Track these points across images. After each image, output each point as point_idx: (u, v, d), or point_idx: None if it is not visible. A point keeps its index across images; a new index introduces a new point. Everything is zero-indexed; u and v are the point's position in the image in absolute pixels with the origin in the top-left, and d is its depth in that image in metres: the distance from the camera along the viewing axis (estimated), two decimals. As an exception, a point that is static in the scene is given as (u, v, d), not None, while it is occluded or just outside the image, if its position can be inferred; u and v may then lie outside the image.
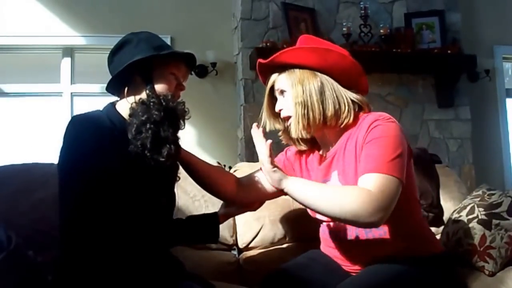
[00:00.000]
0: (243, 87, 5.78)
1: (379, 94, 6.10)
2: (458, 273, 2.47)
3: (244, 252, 3.21)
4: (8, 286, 2.14)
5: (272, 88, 2.45)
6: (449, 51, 6.12)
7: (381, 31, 6.01)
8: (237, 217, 3.24)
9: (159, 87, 2.28)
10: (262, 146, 2.27)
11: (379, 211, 2.03)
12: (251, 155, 5.51)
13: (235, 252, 3.21)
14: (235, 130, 5.93)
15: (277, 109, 2.43)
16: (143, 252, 2.22)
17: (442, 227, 3.14)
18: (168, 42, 5.75)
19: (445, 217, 3.29)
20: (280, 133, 2.55)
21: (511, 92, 7.13)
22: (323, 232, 2.50)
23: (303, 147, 2.53)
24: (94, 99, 6.11)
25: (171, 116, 2.24)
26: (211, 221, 2.57)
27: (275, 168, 2.26)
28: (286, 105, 2.37)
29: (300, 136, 2.37)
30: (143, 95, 2.25)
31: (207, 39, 5.95)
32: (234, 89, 6.04)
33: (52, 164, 3.26)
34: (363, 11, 6.01)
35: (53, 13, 5.98)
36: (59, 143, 2.23)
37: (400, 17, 6.33)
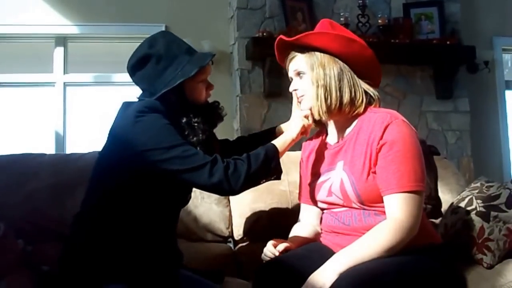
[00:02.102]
0: (239, 78, 5.79)
1: (377, 85, 6.07)
2: (457, 265, 2.49)
3: (240, 244, 3.22)
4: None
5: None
6: (448, 42, 6.13)
7: (379, 21, 6.02)
8: (233, 209, 3.26)
9: (194, 99, 2.44)
10: None
11: (414, 230, 2.20)
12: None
13: (230, 244, 3.23)
14: (231, 121, 5.95)
15: (291, 89, 2.51)
16: (155, 243, 2.38)
17: (440, 219, 3.16)
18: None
19: (443, 209, 3.30)
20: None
21: (510, 84, 7.13)
22: (325, 219, 2.52)
23: (315, 128, 2.61)
24: (87, 88, 6.13)
25: (213, 126, 2.51)
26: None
27: None
28: (302, 85, 2.44)
29: (318, 118, 2.43)
30: (179, 110, 2.38)
31: (203, 29, 5.94)
32: (230, 79, 6.05)
33: (45, 154, 3.28)
34: (361, 1, 6.01)
35: (46, 1, 5.98)
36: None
37: (399, 7, 6.33)
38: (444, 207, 3.28)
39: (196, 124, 2.36)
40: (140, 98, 2.48)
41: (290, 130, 2.50)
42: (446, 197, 3.42)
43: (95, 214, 2.34)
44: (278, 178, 2.44)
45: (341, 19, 5.87)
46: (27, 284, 2.29)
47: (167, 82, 2.35)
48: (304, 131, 2.50)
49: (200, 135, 2.35)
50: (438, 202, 3.38)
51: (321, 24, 2.51)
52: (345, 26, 5.72)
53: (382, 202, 2.27)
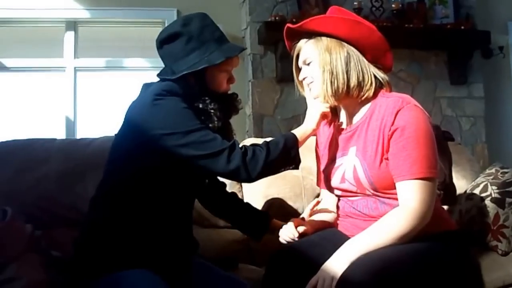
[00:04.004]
0: (251, 63, 5.78)
1: (390, 70, 6.05)
2: (472, 252, 2.48)
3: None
4: (8, 256, 2.17)
5: (297, 57, 2.53)
6: (462, 27, 6.07)
7: (393, 5, 5.96)
8: (246, 195, 3.25)
9: (213, 87, 2.41)
10: None
11: (426, 217, 2.20)
12: (259, 132, 5.52)
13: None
14: (243, 107, 5.87)
15: (300, 78, 2.52)
16: (170, 229, 2.38)
17: (454, 205, 3.15)
18: (174, 16, 5.74)
19: (458, 195, 3.29)
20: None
21: (525, 70, 7.05)
22: (342, 206, 2.53)
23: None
24: (98, 73, 6.11)
25: (229, 117, 2.48)
26: (262, 221, 2.79)
27: None
28: (311, 74, 2.44)
29: (326, 102, 2.43)
30: (196, 95, 2.37)
31: (214, 13, 5.68)
32: (242, 64, 6.00)
33: (55, 139, 3.27)
34: (374, -15, 5.96)
35: (56, -15, 5.95)
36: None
37: (413, -9, 6.26)
38: (459, 193, 3.27)
39: (212, 111, 2.35)
40: (160, 76, 2.47)
41: (309, 119, 2.49)
42: (461, 183, 3.41)
43: (111, 199, 2.34)
44: (296, 167, 2.43)
45: (355, 3, 5.82)
46: (37, 268, 2.29)
47: (191, 65, 2.33)
48: (323, 118, 2.51)
49: (216, 122, 2.34)
50: (452, 188, 3.37)
51: (329, 10, 2.51)
52: (359, 11, 5.75)
53: (386, 184, 2.29)
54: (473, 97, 6.34)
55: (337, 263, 2.11)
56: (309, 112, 2.52)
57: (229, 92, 2.51)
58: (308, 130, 2.46)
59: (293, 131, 2.44)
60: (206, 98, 2.36)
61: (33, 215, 2.76)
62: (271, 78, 5.80)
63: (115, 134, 2.45)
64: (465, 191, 3.08)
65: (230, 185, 3.17)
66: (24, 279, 2.16)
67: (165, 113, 2.22)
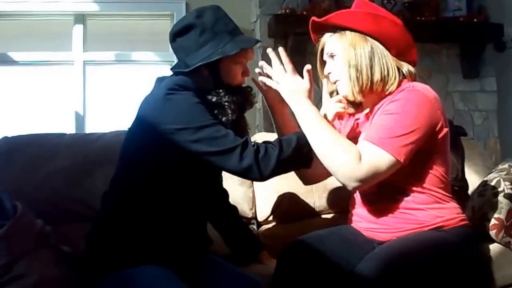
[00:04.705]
0: (261, 56, 5.75)
1: (401, 64, 6.02)
2: (484, 248, 2.49)
3: (263, 226, 3.23)
4: (18, 252, 2.18)
5: (321, 51, 2.56)
6: (475, 20, 6.05)
7: (405, -2, 5.96)
8: (256, 190, 3.26)
9: (227, 80, 2.41)
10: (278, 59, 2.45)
11: (356, 181, 2.23)
12: (270, 126, 5.48)
13: (254, 226, 3.24)
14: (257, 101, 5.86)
15: (325, 72, 2.54)
16: (184, 221, 2.39)
17: (466, 201, 3.15)
18: (183, 8, 5.71)
19: (470, 191, 3.29)
20: (333, 95, 2.62)
21: (539, 63, 7.02)
22: (357, 195, 2.56)
23: (351, 110, 2.61)
24: (107, 67, 6.11)
25: (243, 110, 2.46)
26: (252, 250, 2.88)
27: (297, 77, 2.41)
28: (335, 68, 2.47)
29: (353, 99, 2.46)
30: (210, 88, 2.38)
31: (223, 5, 5.65)
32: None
33: (64, 134, 3.29)
34: (386, -23, 5.95)
35: (64, -22, 5.95)
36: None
37: (425, -16, 6.24)
38: (471, 189, 3.27)
39: (226, 104, 2.35)
40: (173, 70, 2.48)
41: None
42: (473, 179, 3.41)
43: (123, 194, 2.35)
44: (308, 167, 2.42)
45: (366, -5, 5.78)
46: (48, 264, 2.30)
47: (205, 57, 2.34)
48: (338, 118, 2.56)
49: (230, 115, 2.35)
50: (465, 183, 3.37)
51: (355, 4, 2.53)
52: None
53: (401, 176, 2.31)
54: (486, 91, 6.31)
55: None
56: (323, 111, 2.52)
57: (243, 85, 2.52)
58: None
59: None
60: (220, 90, 2.37)
61: (42, 211, 2.77)
62: (281, 72, 5.74)
63: (128, 129, 2.45)
64: (478, 187, 3.07)
65: (242, 179, 3.18)
66: (35, 275, 2.18)
67: (177, 108, 2.22)
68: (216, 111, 2.33)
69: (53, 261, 2.35)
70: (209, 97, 2.35)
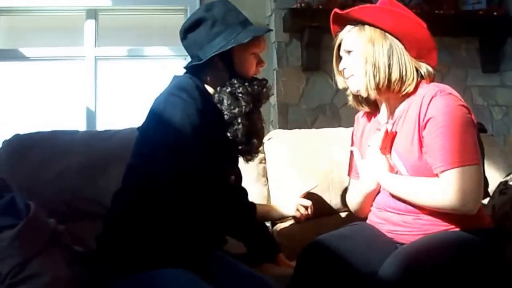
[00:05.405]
0: (276, 51, 5.75)
1: (419, 58, 5.99)
2: (506, 248, 2.48)
3: (279, 225, 3.22)
4: (31, 252, 2.19)
5: (339, 46, 2.55)
6: (495, 13, 5.99)
7: (423, -9, 5.92)
8: (272, 189, 3.25)
9: (242, 71, 2.42)
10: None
11: (467, 205, 2.24)
12: (285, 122, 5.50)
13: (268, 224, 3.23)
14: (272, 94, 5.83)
15: (340, 68, 2.54)
16: (202, 224, 2.38)
17: (487, 200, 3.13)
18: (197, 3, 5.67)
19: (491, 189, 3.26)
20: (348, 91, 2.62)
21: (560, 57, 6.96)
22: (381, 197, 2.54)
23: (366, 108, 2.63)
24: (119, 62, 6.12)
25: (258, 103, 2.45)
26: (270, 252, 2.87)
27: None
28: (351, 64, 2.46)
29: (366, 95, 2.45)
30: (226, 81, 2.40)
31: (238, 0, 5.84)
32: (267, 52, 5.92)
33: (77, 131, 3.29)
34: (404, -30, 5.91)
35: (76, -27, 5.96)
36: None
37: (444, -24, 6.20)
38: (492, 187, 3.25)
39: (240, 95, 2.36)
40: (186, 67, 2.50)
41: (281, 210, 2.65)
42: (493, 177, 3.38)
43: (140, 194, 2.34)
44: None
45: (383, -12, 5.75)
46: (60, 264, 2.31)
47: (218, 48, 2.35)
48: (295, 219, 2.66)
49: (244, 107, 2.35)
50: (485, 182, 3.34)
51: (380, 1, 2.51)
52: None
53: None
54: (506, 85, 6.26)
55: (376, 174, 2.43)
56: (286, 206, 2.64)
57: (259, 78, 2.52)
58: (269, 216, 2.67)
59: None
60: (235, 81, 2.38)
61: (55, 209, 2.78)
62: (296, 67, 5.76)
63: (137, 128, 2.46)
64: (499, 185, 3.06)
65: (256, 178, 3.18)
66: (48, 274, 2.19)
67: (167, 118, 2.25)
68: (229, 102, 2.36)
69: (66, 261, 2.35)
70: (224, 88, 2.37)
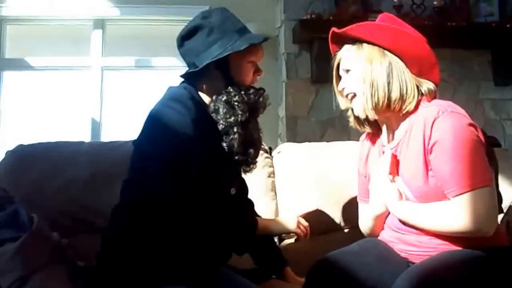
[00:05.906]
0: (285, 62, 5.75)
1: (431, 71, 5.97)
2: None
3: (286, 241, 3.20)
4: (33, 266, 2.17)
5: (338, 65, 2.52)
6: (508, 25, 5.95)
7: (435, 2, 5.89)
8: (280, 204, 3.23)
9: (238, 79, 2.41)
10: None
11: (482, 228, 2.20)
12: (293, 135, 5.49)
13: (276, 240, 3.21)
14: (276, 108, 5.88)
15: (340, 88, 2.50)
16: (203, 239, 2.34)
17: (501, 216, 3.10)
18: (205, 13, 5.69)
19: (505, 205, 3.24)
20: (349, 113, 2.60)
21: None
22: (391, 218, 2.52)
23: (367, 129, 2.60)
24: (126, 72, 6.13)
25: (255, 113, 2.43)
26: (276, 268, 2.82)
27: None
28: (350, 83, 2.42)
29: (365, 116, 2.41)
30: (222, 89, 2.38)
31: (247, 11, 5.73)
32: (276, 64, 5.99)
33: (83, 142, 3.28)
34: (415, -19, 5.90)
35: (83, -17, 5.97)
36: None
37: (456, -12, 6.19)
38: (506, 203, 3.22)
39: (236, 103, 2.34)
40: (183, 75, 2.50)
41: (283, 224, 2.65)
42: (507, 192, 3.35)
43: (132, 210, 2.34)
44: None
45: (395, 0, 5.76)
46: (62, 280, 2.29)
47: (215, 55, 2.34)
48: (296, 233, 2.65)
49: (239, 115, 2.33)
50: (499, 197, 3.32)
51: (379, 17, 2.50)
52: (399, 8, 5.69)
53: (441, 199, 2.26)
54: (519, 99, 6.24)
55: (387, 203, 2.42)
56: (287, 220, 2.64)
57: (257, 87, 2.50)
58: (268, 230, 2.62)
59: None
60: (231, 89, 2.36)
61: (58, 221, 2.77)
62: (305, 79, 5.75)
63: (133, 142, 2.46)
64: (512, 201, 3.04)
65: (265, 192, 3.15)
66: (49, 291, 2.17)
67: (161, 130, 2.26)
68: (225, 110, 2.34)
69: (68, 277, 2.33)
70: (220, 96, 2.36)
